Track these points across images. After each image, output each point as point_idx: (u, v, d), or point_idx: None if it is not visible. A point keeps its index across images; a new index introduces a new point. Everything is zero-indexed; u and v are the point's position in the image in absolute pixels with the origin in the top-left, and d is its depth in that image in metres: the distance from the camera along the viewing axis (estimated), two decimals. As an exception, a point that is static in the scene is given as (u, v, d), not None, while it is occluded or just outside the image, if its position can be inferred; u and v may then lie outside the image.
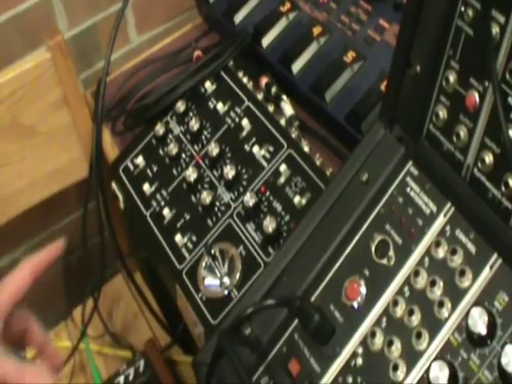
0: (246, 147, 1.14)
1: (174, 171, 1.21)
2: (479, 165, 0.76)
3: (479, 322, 0.73)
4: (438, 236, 0.80)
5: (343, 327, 0.83)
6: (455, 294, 0.76)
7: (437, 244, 0.80)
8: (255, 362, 0.87)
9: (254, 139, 1.15)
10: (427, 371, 0.75)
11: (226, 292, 1.05)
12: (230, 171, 1.12)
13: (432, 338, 0.76)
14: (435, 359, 0.75)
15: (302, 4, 1.27)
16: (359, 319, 0.82)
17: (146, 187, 1.22)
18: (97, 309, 1.47)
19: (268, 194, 1.08)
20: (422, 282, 0.79)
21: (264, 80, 1.22)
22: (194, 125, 1.20)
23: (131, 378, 1.42)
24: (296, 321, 0.86)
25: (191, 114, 1.24)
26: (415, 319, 0.78)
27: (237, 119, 1.18)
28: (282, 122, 1.14)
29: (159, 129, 1.25)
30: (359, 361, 0.81)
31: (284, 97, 1.19)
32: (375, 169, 0.88)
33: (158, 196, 1.20)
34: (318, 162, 1.07)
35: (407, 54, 0.83)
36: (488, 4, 0.71)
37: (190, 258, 1.11)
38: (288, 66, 1.22)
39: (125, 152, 1.30)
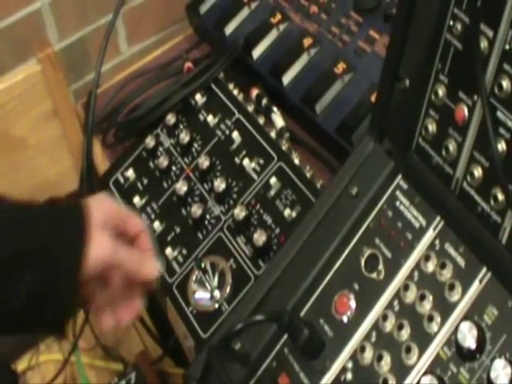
0: (237, 160, 1.14)
1: (165, 184, 1.20)
2: (468, 178, 0.76)
3: (468, 336, 0.73)
4: (427, 250, 0.80)
5: (333, 341, 0.83)
6: (445, 308, 0.76)
7: (426, 258, 0.79)
8: (245, 377, 0.87)
9: (244, 152, 1.14)
10: (417, 386, 0.75)
11: (216, 305, 1.04)
12: (220, 184, 1.12)
13: (421, 353, 0.76)
14: (425, 373, 0.75)
15: (292, 15, 1.27)
16: (349, 333, 0.82)
17: (137, 200, 1.22)
18: (88, 321, 1.46)
19: (258, 206, 1.08)
20: (411, 296, 0.79)
21: (254, 92, 1.22)
22: (185, 137, 1.20)
23: (123, 390, 1.41)
24: (286, 335, 0.86)
25: (181, 126, 1.23)
26: (405, 333, 0.78)
27: (227, 131, 1.18)
28: (273, 134, 1.14)
29: (149, 141, 1.25)
30: (349, 375, 0.80)
31: (275, 108, 1.19)
32: (365, 182, 0.88)
33: (149, 209, 1.20)
34: (308, 175, 1.07)
35: (396, 67, 0.83)
36: (476, 18, 0.71)
37: (181, 271, 1.10)
38: (278, 78, 1.21)
39: (115, 165, 1.29)
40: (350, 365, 0.81)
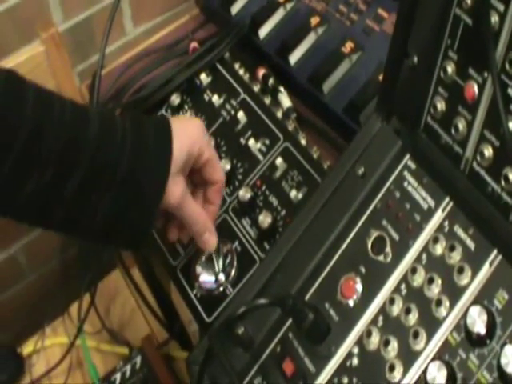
0: (242, 140, 1.12)
1: (169, 165, 1.18)
2: (478, 158, 0.74)
3: (478, 321, 0.71)
4: (435, 232, 0.78)
5: (338, 326, 0.81)
6: (453, 292, 0.74)
7: (435, 240, 0.77)
8: (248, 362, 0.86)
9: (249, 132, 1.12)
10: (424, 372, 0.73)
11: (221, 289, 1.02)
12: (225, 165, 1.10)
13: (429, 338, 0.74)
14: (433, 359, 0.73)
15: (299, -6, 1.25)
16: (355, 318, 0.80)
17: (141, 182, 1.20)
18: (94, 305, 1.45)
19: (264, 188, 1.06)
20: (419, 279, 0.77)
21: (261, 71, 1.20)
22: (189, 118, 1.18)
23: (128, 374, 1.40)
24: (290, 320, 0.84)
25: (186, 106, 1.22)
26: (412, 318, 0.76)
27: (232, 112, 1.16)
28: (279, 114, 1.12)
29: (154, 122, 1.23)
30: (355, 361, 0.79)
31: (281, 88, 1.17)
32: (372, 162, 0.86)
33: (153, 191, 1.18)
34: (315, 155, 1.05)
35: (404, 44, 0.81)
36: (487, -8, 0.69)
37: (185, 254, 1.09)
38: (285, 57, 1.19)
39: (120, 146, 1.27)
40: (355, 350, 0.79)
